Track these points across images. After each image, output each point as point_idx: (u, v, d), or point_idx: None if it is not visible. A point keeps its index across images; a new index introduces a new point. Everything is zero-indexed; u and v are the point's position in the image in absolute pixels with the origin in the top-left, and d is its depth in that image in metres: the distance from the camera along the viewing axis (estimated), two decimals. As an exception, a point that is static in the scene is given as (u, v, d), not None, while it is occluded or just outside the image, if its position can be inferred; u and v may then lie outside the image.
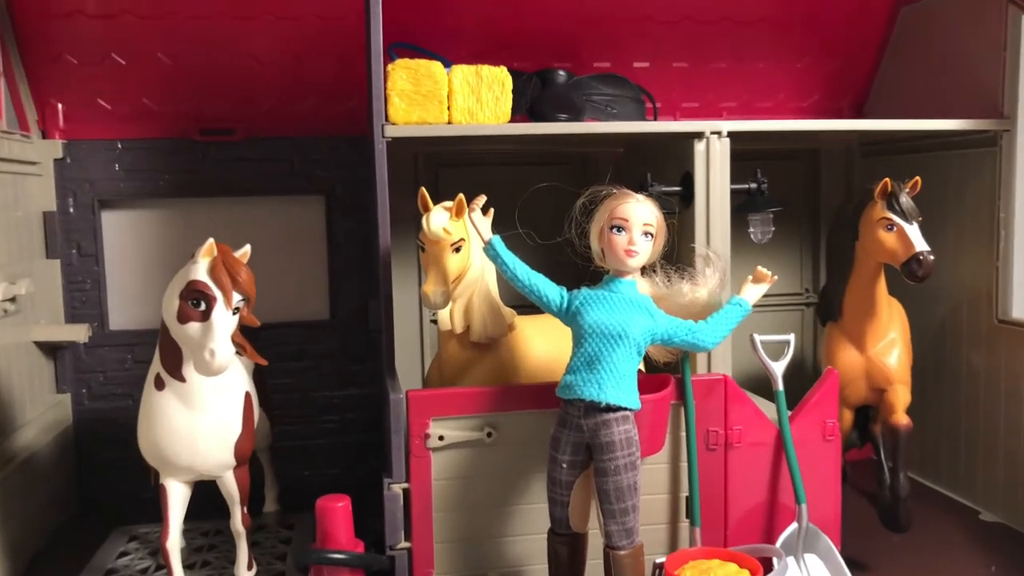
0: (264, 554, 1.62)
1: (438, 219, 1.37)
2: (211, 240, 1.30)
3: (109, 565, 1.64)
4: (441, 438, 1.35)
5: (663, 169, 1.70)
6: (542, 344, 1.52)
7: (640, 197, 1.30)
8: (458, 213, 1.39)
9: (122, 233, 2.00)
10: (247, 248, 1.37)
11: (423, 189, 1.39)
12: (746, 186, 1.70)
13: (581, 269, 1.39)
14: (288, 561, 1.30)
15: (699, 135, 1.59)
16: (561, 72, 1.82)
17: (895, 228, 1.53)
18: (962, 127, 1.72)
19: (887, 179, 1.54)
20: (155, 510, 1.71)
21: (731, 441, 1.44)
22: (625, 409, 1.22)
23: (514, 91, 1.64)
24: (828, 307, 1.71)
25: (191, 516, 1.71)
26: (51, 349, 1.91)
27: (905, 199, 1.53)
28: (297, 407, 2.06)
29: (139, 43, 1.87)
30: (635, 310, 1.25)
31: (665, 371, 1.42)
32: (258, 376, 1.64)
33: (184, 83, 1.93)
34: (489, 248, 1.31)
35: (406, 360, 1.97)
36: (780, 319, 2.21)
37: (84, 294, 1.96)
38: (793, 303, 2.25)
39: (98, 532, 1.79)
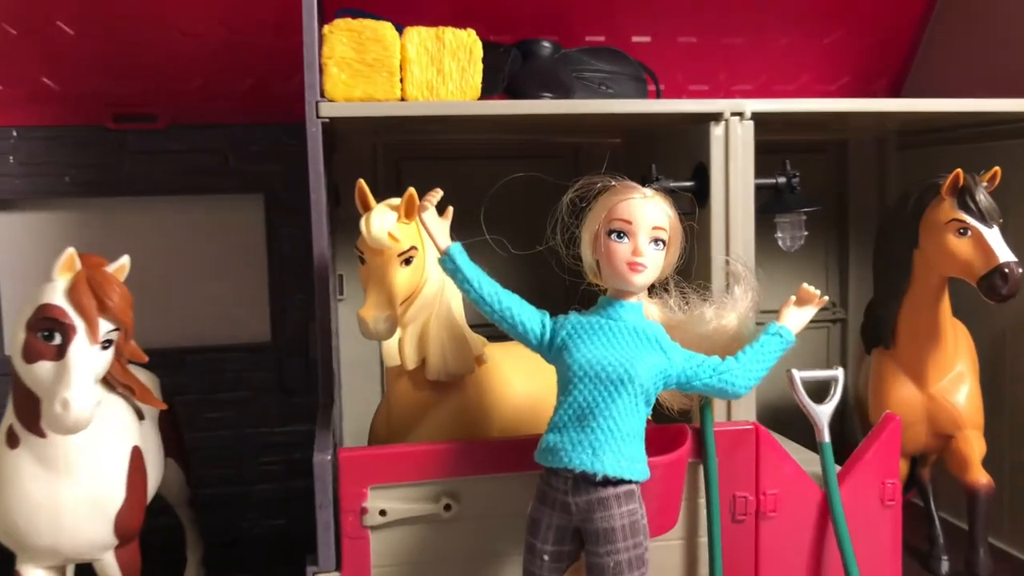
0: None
1: (381, 221, 1.06)
2: (70, 250, 0.98)
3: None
4: (383, 513, 1.03)
5: (671, 162, 1.43)
6: (523, 382, 1.20)
7: (648, 191, 0.98)
8: (408, 214, 1.07)
9: (19, 239, 1.71)
10: (124, 260, 1.04)
11: (361, 182, 1.10)
12: (773, 181, 1.42)
13: (570, 287, 1.07)
14: None
15: (716, 117, 1.33)
16: (546, 44, 1.57)
17: (970, 232, 1.22)
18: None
19: (959, 170, 1.23)
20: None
21: (764, 509, 1.13)
22: (629, 482, 0.90)
23: (489, 66, 1.39)
24: (877, 330, 1.40)
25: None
26: (-70, 380, 1.59)
27: (983, 196, 1.22)
28: (232, 447, 1.77)
29: (33, 9, 1.58)
30: (642, 344, 0.93)
31: (677, 420, 1.10)
32: (166, 418, 1.32)
33: (92, 59, 1.64)
34: (446, 259, 0.99)
35: (363, 398, 1.64)
36: (802, 340, 1.90)
37: (-29, 313, 1.66)
38: (817, 320, 1.93)
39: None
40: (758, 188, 1.36)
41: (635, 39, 1.79)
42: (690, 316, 1.03)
